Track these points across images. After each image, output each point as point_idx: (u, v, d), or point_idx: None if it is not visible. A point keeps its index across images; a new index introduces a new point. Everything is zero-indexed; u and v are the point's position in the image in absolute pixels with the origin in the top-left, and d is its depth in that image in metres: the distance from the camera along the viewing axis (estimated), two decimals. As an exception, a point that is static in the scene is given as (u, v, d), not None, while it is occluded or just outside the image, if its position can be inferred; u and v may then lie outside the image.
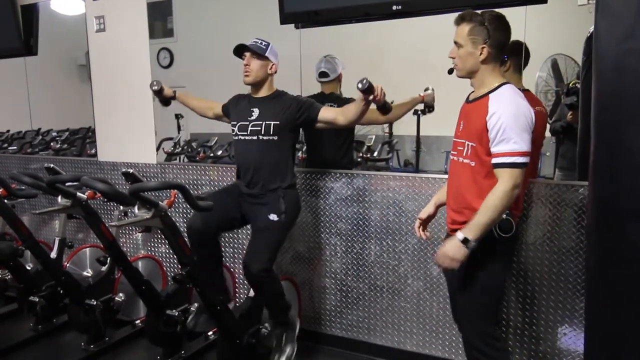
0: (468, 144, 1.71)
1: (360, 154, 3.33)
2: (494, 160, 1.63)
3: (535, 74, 2.93)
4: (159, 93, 2.50)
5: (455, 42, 1.70)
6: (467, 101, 1.79)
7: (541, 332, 2.18)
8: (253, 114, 2.24)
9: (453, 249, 1.64)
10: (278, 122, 2.19)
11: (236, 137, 2.29)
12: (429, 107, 2.60)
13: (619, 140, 1.22)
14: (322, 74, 2.71)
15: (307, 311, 2.70)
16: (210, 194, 2.40)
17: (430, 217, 1.97)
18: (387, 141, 3.64)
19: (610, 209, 1.27)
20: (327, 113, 2.19)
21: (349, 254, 2.58)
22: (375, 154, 3.38)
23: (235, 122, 2.29)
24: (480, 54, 1.66)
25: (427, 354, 2.43)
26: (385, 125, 3.90)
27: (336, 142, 2.63)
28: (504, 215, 1.65)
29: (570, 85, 2.71)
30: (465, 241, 1.62)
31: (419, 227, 1.97)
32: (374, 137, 3.45)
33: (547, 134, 2.71)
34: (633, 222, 1.22)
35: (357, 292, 2.58)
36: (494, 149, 1.63)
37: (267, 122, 2.20)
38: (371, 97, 1.96)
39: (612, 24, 1.23)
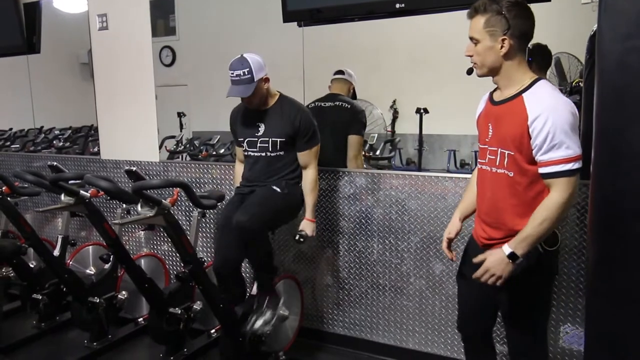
0: (503, 152, 1.52)
1: (363, 153, 3.34)
2: (545, 170, 1.45)
3: (538, 72, 2.94)
4: None
5: (471, 38, 1.52)
6: (494, 102, 1.59)
7: (543, 331, 2.19)
8: (260, 129, 2.25)
9: (498, 265, 1.47)
10: (284, 139, 2.22)
11: (246, 154, 2.31)
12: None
13: (621, 138, 1.22)
14: (339, 72, 2.78)
15: (309, 309, 2.71)
16: (216, 230, 2.44)
17: (457, 234, 1.79)
18: (389, 140, 3.65)
19: (613, 208, 1.27)
20: (304, 159, 2.25)
21: (351, 253, 2.59)
22: (378, 152, 3.39)
23: (242, 139, 2.30)
24: (502, 47, 1.46)
25: (429, 352, 2.43)
26: (388, 124, 3.92)
27: (336, 140, 2.65)
28: None
29: (574, 83, 2.71)
30: (512, 257, 1.46)
31: (448, 247, 1.78)
32: (376, 135, 3.47)
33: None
34: (636, 222, 1.22)
35: (359, 290, 2.59)
36: (543, 157, 1.44)
37: (273, 139, 2.23)
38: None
39: (616, 22, 1.23)
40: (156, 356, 2.52)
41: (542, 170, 1.46)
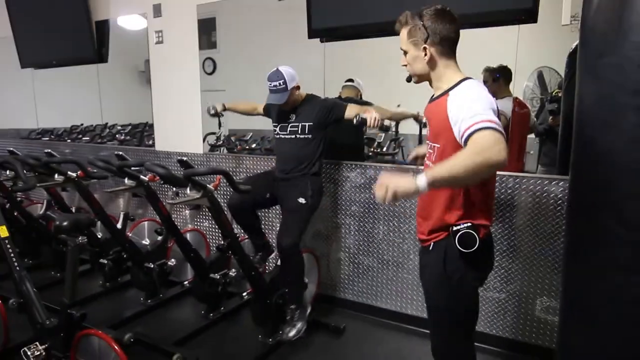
0: (435, 147, 1.38)
1: (372, 149, 3.34)
2: (464, 138, 1.19)
3: (523, 83, 2.88)
4: (215, 115, 2.61)
5: (402, 49, 1.41)
6: (429, 101, 1.47)
7: (522, 303, 2.18)
8: (291, 117, 2.30)
9: (401, 178, 1.22)
10: (312, 123, 2.25)
11: (277, 136, 2.35)
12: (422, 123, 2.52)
13: (597, 140, 1.21)
14: (349, 80, 2.79)
15: (325, 279, 2.74)
16: (248, 178, 2.46)
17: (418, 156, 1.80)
18: (394, 138, 3.63)
19: (586, 199, 1.26)
20: (350, 112, 2.24)
21: (360, 233, 2.60)
22: (384, 149, 3.37)
23: (276, 124, 2.35)
24: (425, 54, 1.35)
25: (425, 317, 2.44)
26: (393, 125, 3.88)
27: (348, 139, 2.66)
28: (465, 226, 1.30)
29: (553, 93, 2.66)
30: (420, 180, 1.17)
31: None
32: (383, 135, 3.45)
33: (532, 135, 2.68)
34: (605, 210, 1.21)
35: (367, 264, 2.61)
36: (459, 128, 1.21)
37: (302, 124, 2.26)
38: (365, 128, 2.10)
39: (595, 41, 1.22)
40: (198, 313, 2.58)
41: (462, 140, 1.20)
